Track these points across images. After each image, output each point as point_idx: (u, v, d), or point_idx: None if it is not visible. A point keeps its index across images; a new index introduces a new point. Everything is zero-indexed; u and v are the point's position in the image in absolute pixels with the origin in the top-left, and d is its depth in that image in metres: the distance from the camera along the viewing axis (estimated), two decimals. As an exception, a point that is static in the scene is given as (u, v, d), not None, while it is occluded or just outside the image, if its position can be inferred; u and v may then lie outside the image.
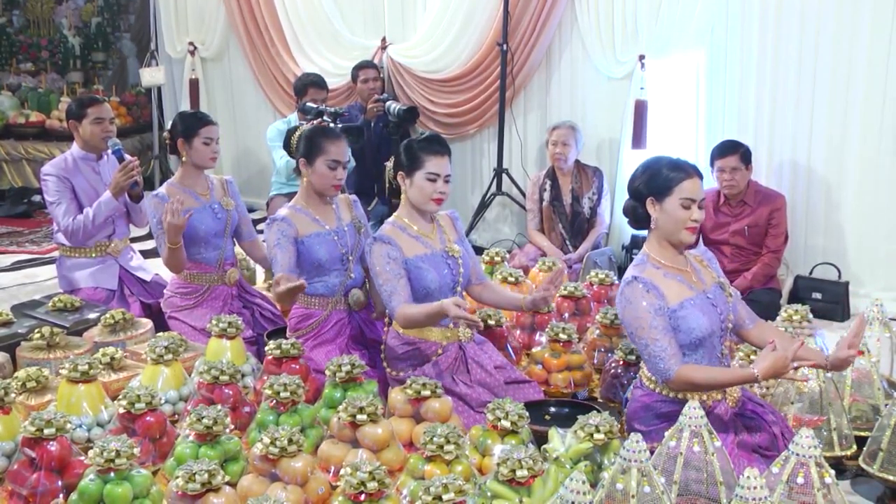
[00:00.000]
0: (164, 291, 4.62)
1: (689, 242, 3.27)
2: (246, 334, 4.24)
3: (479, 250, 5.60)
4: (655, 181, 3.22)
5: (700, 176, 3.24)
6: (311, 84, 6.70)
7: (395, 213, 3.82)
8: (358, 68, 6.95)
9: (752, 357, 3.76)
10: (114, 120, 4.96)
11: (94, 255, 4.86)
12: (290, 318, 4.11)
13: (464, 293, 3.94)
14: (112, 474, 2.74)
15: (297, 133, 4.11)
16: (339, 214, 4.14)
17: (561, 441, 3.05)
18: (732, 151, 5.25)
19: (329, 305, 4.02)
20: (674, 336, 3.15)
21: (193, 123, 4.49)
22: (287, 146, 4.17)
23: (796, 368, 3.09)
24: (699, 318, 3.18)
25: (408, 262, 3.67)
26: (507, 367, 3.85)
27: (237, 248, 4.79)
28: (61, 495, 2.88)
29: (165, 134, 4.53)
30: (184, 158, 4.53)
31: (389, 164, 3.86)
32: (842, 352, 3.13)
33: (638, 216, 3.30)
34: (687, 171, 3.23)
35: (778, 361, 3.00)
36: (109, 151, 4.91)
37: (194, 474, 2.73)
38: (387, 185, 3.88)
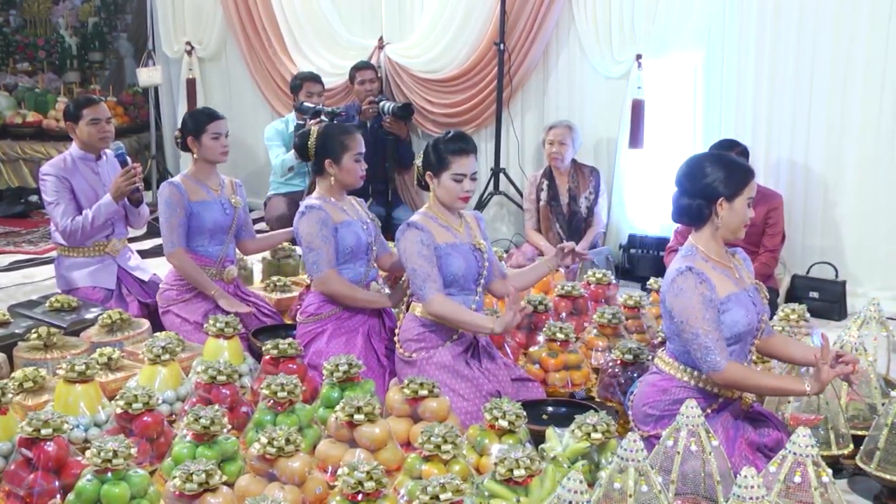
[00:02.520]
0: (161, 285, 4.63)
1: (742, 237, 3.31)
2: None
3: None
4: (732, 180, 3.19)
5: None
6: (305, 79, 6.73)
7: (425, 206, 3.88)
8: (356, 69, 6.96)
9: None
10: (111, 120, 4.95)
11: (92, 254, 4.86)
12: (307, 303, 4.14)
13: (485, 293, 3.96)
14: (109, 474, 2.74)
15: (313, 136, 4.11)
16: (357, 209, 4.23)
17: (558, 440, 3.06)
18: (728, 150, 5.25)
19: None
20: (721, 330, 3.16)
21: (201, 120, 4.52)
22: (303, 151, 4.17)
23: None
24: (741, 313, 3.20)
25: (438, 248, 3.71)
26: (511, 366, 3.90)
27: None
28: (58, 495, 2.88)
29: (176, 132, 4.55)
30: (195, 155, 4.55)
31: (418, 162, 3.88)
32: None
33: (702, 215, 3.24)
34: (751, 170, 3.29)
35: (824, 376, 3.05)
36: (112, 154, 4.92)
37: (192, 474, 2.73)
38: (415, 181, 3.94)
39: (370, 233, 4.17)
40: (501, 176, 6.67)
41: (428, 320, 3.76)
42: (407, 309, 3.88)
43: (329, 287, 4.00)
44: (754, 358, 3.48)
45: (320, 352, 3.93)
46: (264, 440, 2.89)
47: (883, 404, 3.46)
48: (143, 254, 5.44)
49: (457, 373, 3.64)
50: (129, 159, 4.83)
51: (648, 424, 3.29)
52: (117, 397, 3.24)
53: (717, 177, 3.19)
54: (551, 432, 3.11)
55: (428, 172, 3.80)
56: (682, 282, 3.17)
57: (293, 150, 6.47)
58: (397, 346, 3.83)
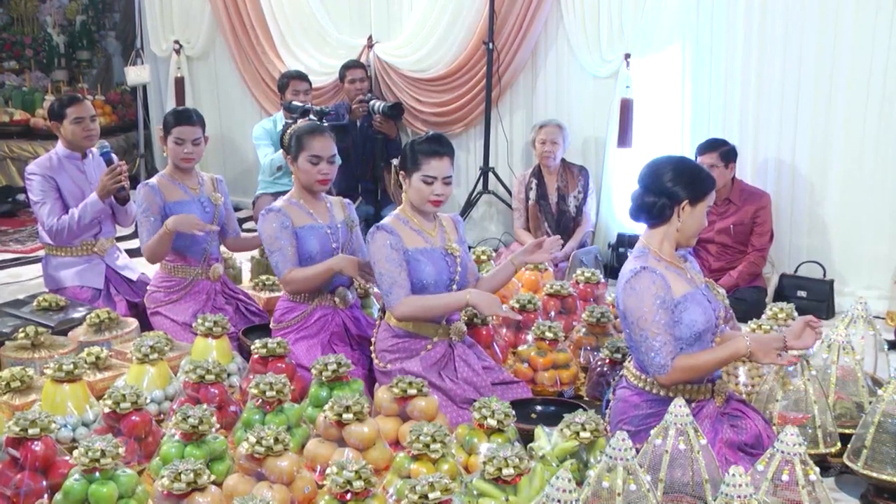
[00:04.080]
0: (148, 287, 4.61)
1: (693, 245, 3.37)
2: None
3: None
4: (698, 185, 3.23)
5: None
6: (291, 78, 6.71)
7: (399, 208, 3.83)
8: (345, 68, 6.95)
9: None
10: (95, 118, 4.92)
11: (80, 254, 4.84)
12: (275, 309, 4.15)
13: None
14: (97, 474, 2.73)
15: (287, 132, 4.14)
16: (333, 212, 4.16)
17: (547, 439, 3.06)
18: (712, 149, 5.30)
19: (315, 300, 4.04)
20: (673, 333, 3.16)
21: (169, 122, 4.47)
22: (283, 147, 4.22)
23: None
24: (699, 311, 3.20)
25: (407, 253, 3.67)
26: (495, 369, 3.85)
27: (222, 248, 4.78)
28: (46, 495, 2.87)
29: (158, 127, 4.55)
30: (164, 154, 4.53)
31: (395, 162, 3.84)
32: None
33: (663, 215, 3.25)
34: (714, 180, 3.33)
35: (773, 340, 3.13)
36: (98, 152, 4.89)
37: (180, 474, 2.73)
38: (392, 181, 3.90)
39: (338, 238, 4.10)
40: (490, 175, 6.67)
41: (401, 330, 3.73)
42: (382, 316, 3.85)
43: (292, 285, 3.99)
44: None
45: None
46: (253, 439, 2.89)
47: (870, 403, 3.47)
48: (131, 253, 5.43)
49: (429, 383, 3.60)
50: (114, 158, 4.81)
51: None
52: (105, 397, 3.23)
53: (684, 179, 3.22)
54: (540, 431, 3.11)
55: (402, 172, 3.75)
56: (636, 282, 3.18)
57: (282, 150, 6.49)
58: (374, 356, 3.81)
